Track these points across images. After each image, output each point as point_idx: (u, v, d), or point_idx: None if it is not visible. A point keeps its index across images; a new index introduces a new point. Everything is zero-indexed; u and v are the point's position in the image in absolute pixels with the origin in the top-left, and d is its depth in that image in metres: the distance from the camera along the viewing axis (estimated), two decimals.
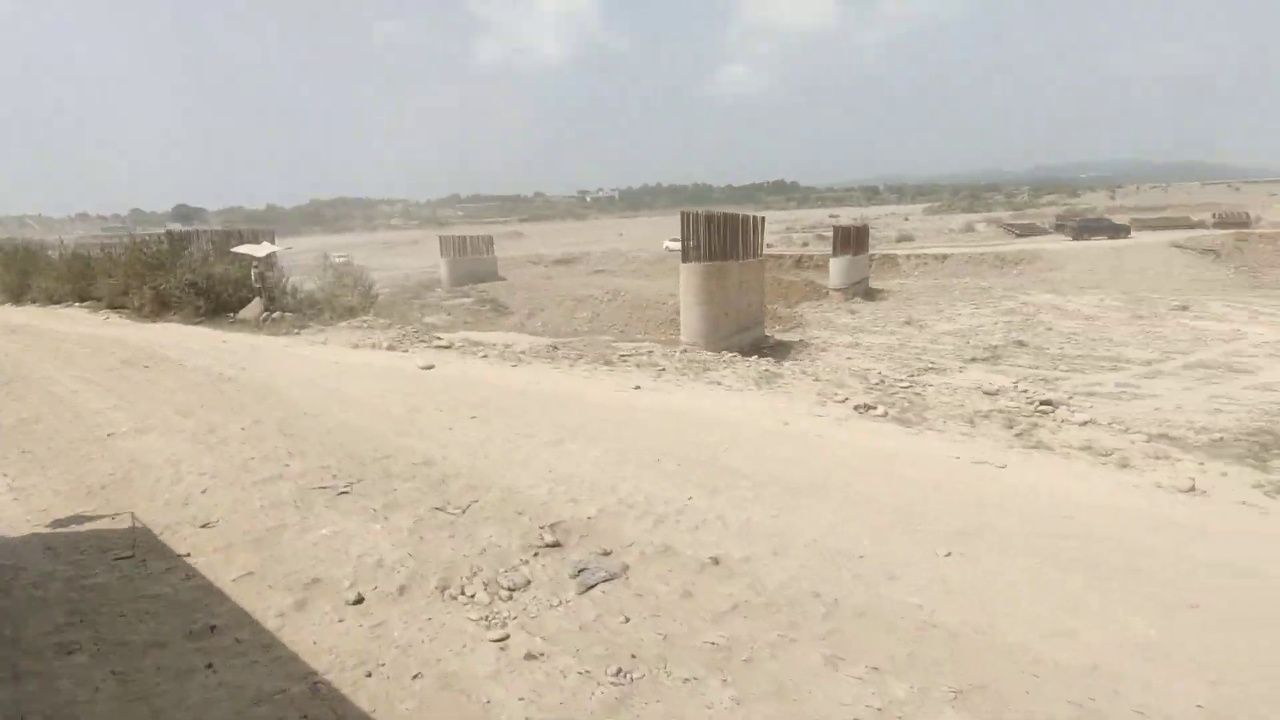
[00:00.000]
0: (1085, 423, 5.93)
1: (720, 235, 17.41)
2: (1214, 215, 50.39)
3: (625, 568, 3.78)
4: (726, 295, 17.76)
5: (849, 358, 18.68)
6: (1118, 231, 44.14)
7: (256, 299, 14.85)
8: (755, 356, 14.02)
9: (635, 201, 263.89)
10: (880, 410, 6.51)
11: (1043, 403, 6.54)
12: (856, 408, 6.64)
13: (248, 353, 10.30)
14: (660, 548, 3.98)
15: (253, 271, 15.34)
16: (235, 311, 15.02)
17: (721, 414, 6.63)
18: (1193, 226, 46.22)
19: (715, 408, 6.96)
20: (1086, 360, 17.47)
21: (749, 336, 19.39)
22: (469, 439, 5.88)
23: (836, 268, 28.84)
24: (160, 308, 15.12)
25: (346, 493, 4.91)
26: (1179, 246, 34.93)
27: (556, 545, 4.06)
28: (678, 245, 59.93)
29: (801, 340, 21.48)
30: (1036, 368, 16.75)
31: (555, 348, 9.81)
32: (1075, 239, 43.61)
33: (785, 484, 4.84)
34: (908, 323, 23.63)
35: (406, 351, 9.87)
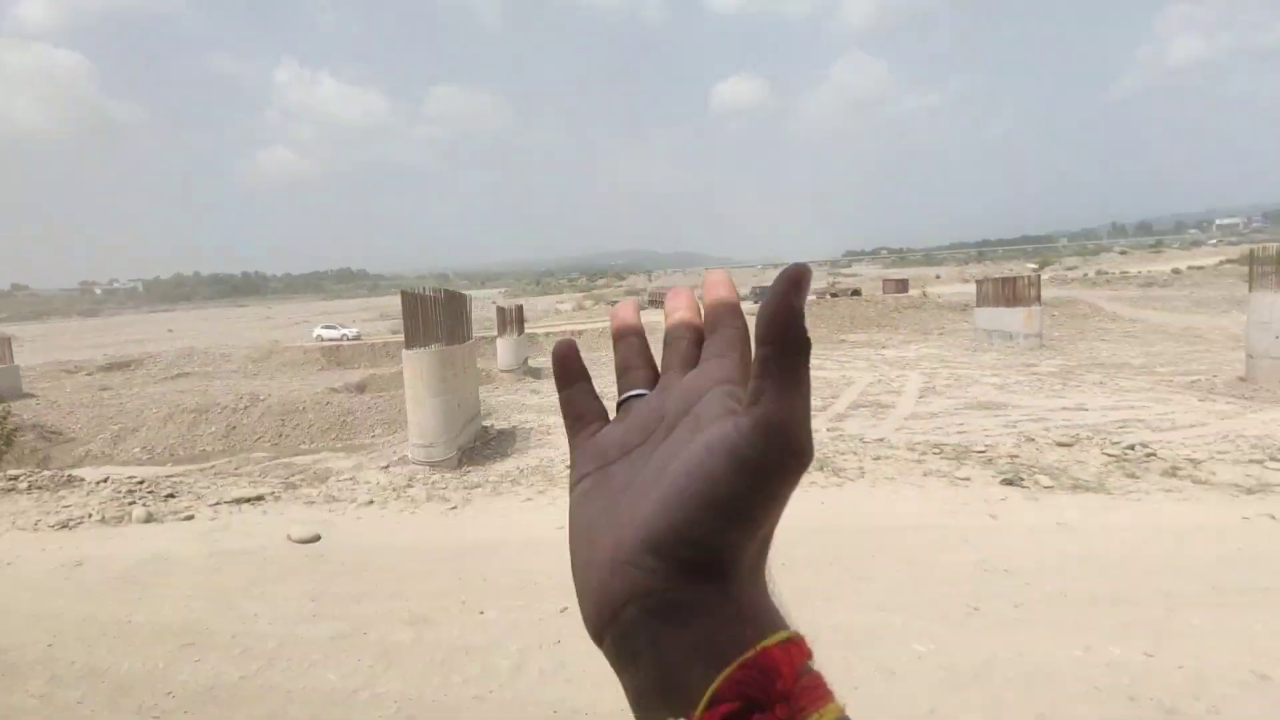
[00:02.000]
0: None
1: (444, 317, 14.89)
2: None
3: None
4: (458, 383, 15.17)
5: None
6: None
7: None
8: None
9: (168, 294, 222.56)
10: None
11: None
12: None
13: None
14: None
15: None
16: None
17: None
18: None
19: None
20: None
21: (473, 428, 16.90)
22: None
23: (504, 348, 27.68)
24: None
25: None
26: None
27: None
28: (333, 333, 51.84)
29: (514, 427, 19.64)
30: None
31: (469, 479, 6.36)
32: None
33: None
34: None
35: (192, 517, 5.35)
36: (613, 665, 0.35)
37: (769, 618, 0.34)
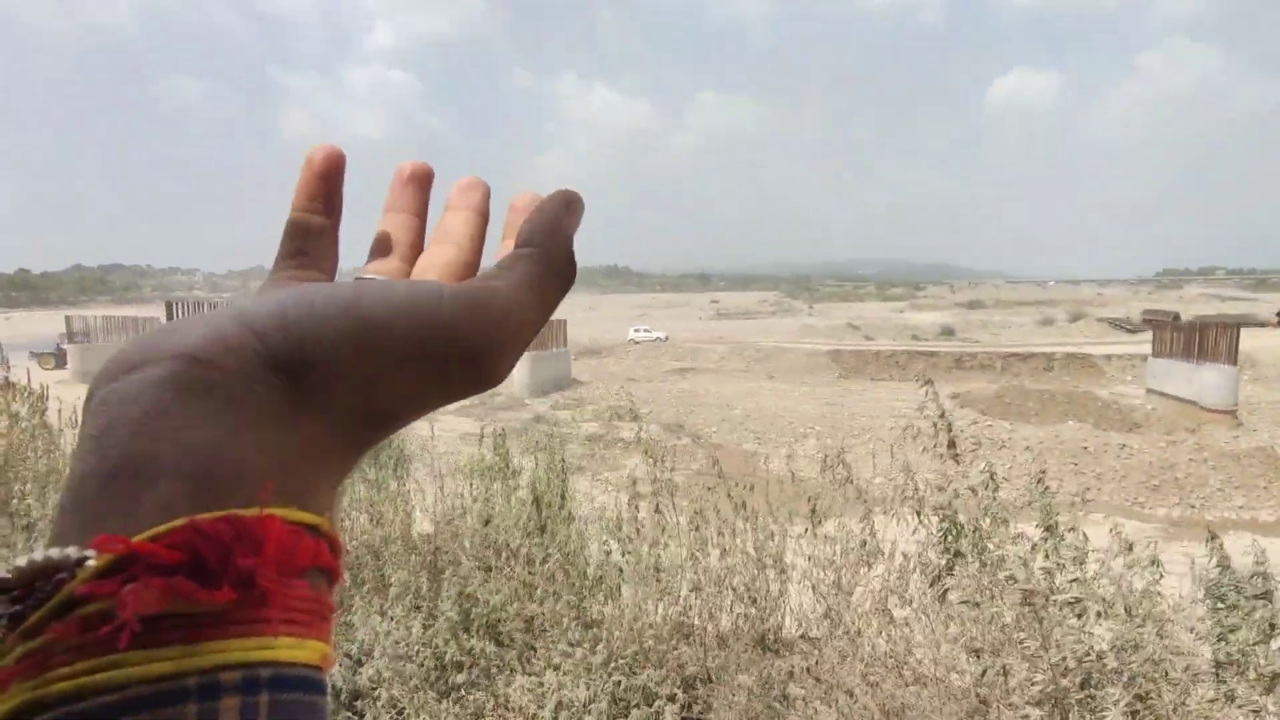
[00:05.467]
0: None
1: None
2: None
3: None
4: None
5: None
6: None
7: None
8: None
9: None
10: None
11: None
12: None
13: None
14: None
15: None
16: None
17: None
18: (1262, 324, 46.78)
19: None
20: None
21: None
22: None
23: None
24: None
25: None
26: None
27: None
28: (646, 335, 55.83)
29: None
30: None
31: None
32: None
33: None
34: None
35: None
36: (81, 430, 0.24)
37: (310, 493, 0.25)
